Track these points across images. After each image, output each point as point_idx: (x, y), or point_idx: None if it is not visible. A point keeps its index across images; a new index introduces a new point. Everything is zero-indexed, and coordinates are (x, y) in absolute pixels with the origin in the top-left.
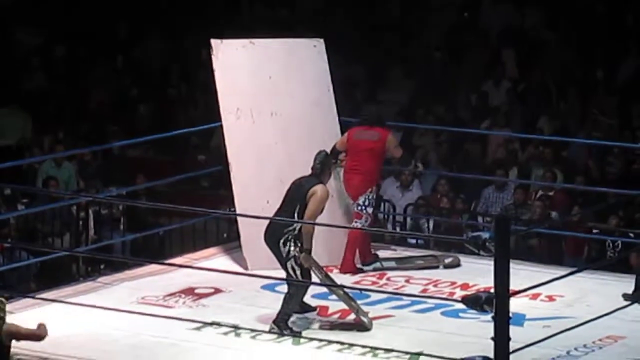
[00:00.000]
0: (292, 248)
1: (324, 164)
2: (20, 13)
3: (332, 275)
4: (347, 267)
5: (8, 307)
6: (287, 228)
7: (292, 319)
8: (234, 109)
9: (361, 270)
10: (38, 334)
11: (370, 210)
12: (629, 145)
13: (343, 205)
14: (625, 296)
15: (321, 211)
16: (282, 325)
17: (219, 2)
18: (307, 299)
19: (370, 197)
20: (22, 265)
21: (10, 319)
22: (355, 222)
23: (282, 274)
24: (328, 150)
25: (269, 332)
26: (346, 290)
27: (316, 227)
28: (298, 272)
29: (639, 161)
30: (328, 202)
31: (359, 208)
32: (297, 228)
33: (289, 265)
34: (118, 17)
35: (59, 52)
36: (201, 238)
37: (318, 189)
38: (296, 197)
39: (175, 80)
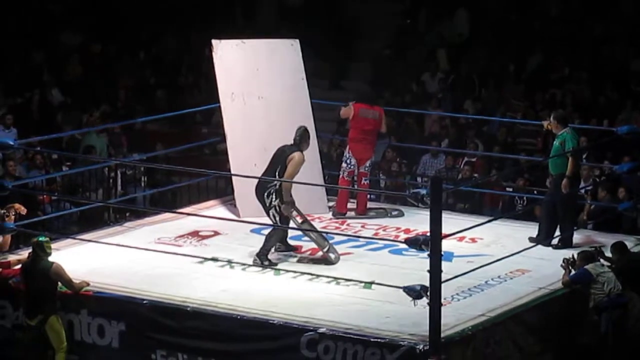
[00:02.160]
0: (273, 199)
1: (302, 137)
2: (64, 20)
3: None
4: (363, 208)
5: (54, 245)
6: (269, 184)
7: (276, 255)
8: (229, 93)
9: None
10: (73, 286)
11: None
12: (534, 122)
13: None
14: (531, 239)
15: (297, 172)
16: (262, 258)
17: (219, 10)
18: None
19: (372, 161)
20: (66, 213)
21: (56, 256)
22: (365, 179)
23: (267, 220)
24: (306, 126)
25: (253, 263)
26: (321, 233)
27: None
28: (277, 219)
29: (542, 135)
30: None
31: (366, 169)
32: (277, 184)
33: (271, 213)
34: (141, 22)
35: (95, 49)
36: (204, 193)
37: (296, 155)
38: (278, 161)
39: (184, 71)
